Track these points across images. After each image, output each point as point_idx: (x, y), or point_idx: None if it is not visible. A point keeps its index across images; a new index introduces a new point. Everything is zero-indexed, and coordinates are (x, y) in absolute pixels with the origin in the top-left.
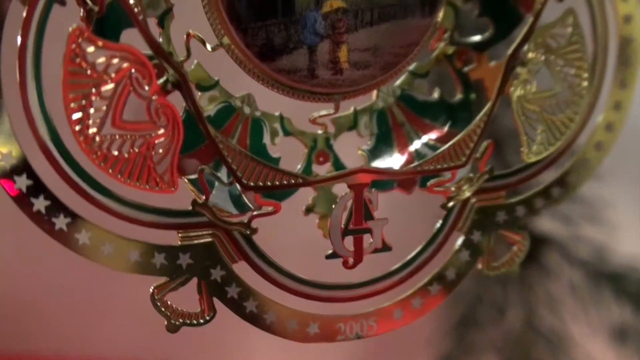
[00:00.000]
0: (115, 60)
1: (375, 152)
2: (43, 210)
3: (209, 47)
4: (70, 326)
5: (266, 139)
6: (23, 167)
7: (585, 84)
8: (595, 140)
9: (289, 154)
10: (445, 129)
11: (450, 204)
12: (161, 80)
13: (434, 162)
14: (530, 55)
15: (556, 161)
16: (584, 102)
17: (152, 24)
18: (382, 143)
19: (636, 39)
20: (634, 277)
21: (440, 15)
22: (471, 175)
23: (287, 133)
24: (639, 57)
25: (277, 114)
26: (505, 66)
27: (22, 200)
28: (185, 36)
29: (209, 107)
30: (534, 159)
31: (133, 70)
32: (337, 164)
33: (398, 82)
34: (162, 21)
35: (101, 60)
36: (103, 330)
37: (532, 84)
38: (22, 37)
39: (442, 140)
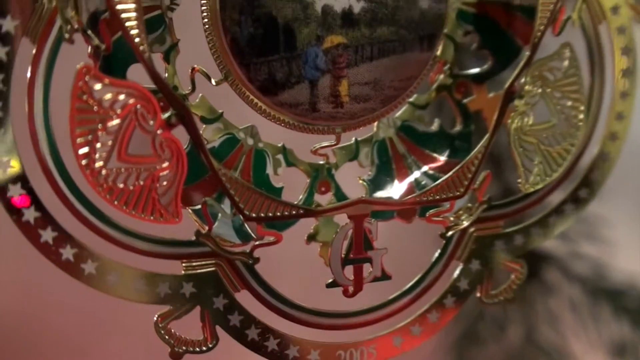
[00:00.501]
0: (122, 97)
1: (376, 181)
2: (50, 241)
3: (213, 81)
4: (74, 352)
5: (269, 170)
6: (31, 199)
7: (581, 116)
8: (592, 169)
9: (292, 184)
10: (445, 159)
11: (449, 233)
12: (166, 115)
13: (433, 192)
14: (528, 87)
15: (553, 191)
16: (580, 133)
17: (158, 58)
18: (383, 173)
19: (634, 71)
20: (633, 293)
21: (440, 48)
22: (470, 205)
23: (289, 163)
24: (636, 89)
25: (279, 145)
26: (502, 99)
27: (30, 232)
28: (190, 70)
29: (213, 139)
30: (532, 190)
31: (138, 106)
32: (339, 194)
33: (398, 113)
34: (168, 56)
35: (108, 97)
36: (107, 357)
37: (530, 116)
38: (31, 74)
39: (441, 170)
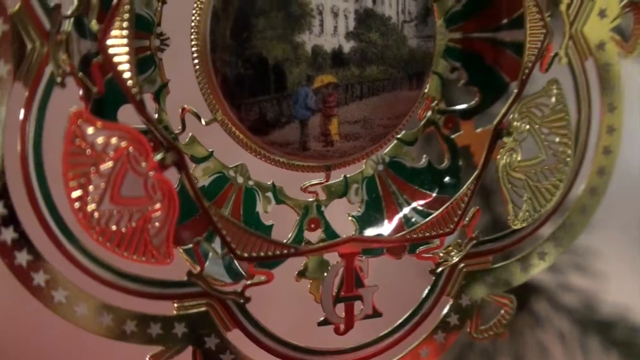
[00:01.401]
0: (114, 140)
1: (365, 218)
2: (43, 284)
3: (203, 121)
4: None
5: (259, 207)
6: (24, 242)
7: (569, 151)
8: (580, 204)
9: (281, 221)
10: (434, 194)
11: (439, 269)
12: (158, 157)
13: (423, 230)
14: (516, 124)
15: (542, 226)
16: (568, 169)
17: (149, 98)
18: (372, 209)
19: (619, 107)
20: (622, 326)
21: (428, 85)
22: (459, 241)
23: (279, 201)
24: (622, 124)
25: (269, 183)
26: (491, 136)
27: (22, 274)
28: (180, 110)
29: (203, 178)
30: (520, 226)
31: (131, 148)
32: (328, 230)
33: (387, 149)
34: (158, 96)
35: (100, 140)
36: None
37: (518, 153)
38: (23, 117)
39: (431, 206)
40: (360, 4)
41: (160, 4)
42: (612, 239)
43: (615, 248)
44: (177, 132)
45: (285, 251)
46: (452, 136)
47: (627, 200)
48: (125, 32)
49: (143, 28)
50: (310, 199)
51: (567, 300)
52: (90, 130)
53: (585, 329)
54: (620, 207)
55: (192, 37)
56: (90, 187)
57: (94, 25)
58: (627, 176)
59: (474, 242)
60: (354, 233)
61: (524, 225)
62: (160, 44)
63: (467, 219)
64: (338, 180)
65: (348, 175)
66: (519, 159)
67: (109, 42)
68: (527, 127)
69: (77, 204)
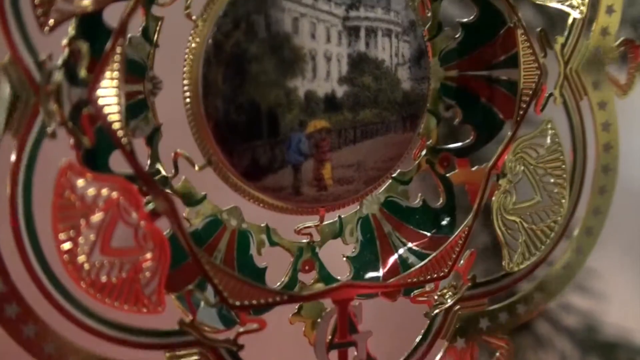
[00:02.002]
0: (104, 191)
1: (360, 259)
2: (33, 336)
3: (196, 167)
4: None
5: (252, 250)
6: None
7: (565, 192)
8: (575, 245)
9: (275, 263)
10: (429, 234)
11: (434, 312)
12: (148, 207)
13: (417, 274)
14: (511, 165)
15: (538, 267)
16: (563, 210)
17: (141, 142)
18: (367, 250)
19: (615, 146)
20: (624, 348)
21: (422, 126)
22: (454, 283)
23: (273, 243)
24: (617, 163)
25: (263, 225)
26: (485, 177)
27: (11, 327)
28: (173, 154)
29: (195, 221)
30: (516, 270)
31: (121, 199)
32: (322, 272)
33: (382, 189)
34: (151, 140)
35: (90, 192)
36: None
37: (513, 195)
38: (13, 169)
39: (426, 246)
40: (353, 48)
41: (153, 48)
42: (613, 260)
43: (616, 269)
44: (169, 175)
45: (278, 299)
46: (447, 174)
47: (629, 221)
48: (115, 82)
49: (135, 72)
50: (305, 241)
51: (569, 321)
52: (80, 182)
53: (586, 350)
54: (621, 229)
55: (185, 82)
56: (80, 239)
57: (84, 74)
58: (628, 196)
59: (469, 284)
60: (348, 274)
61: (520, 268)
62: (152, 87)
63: (462, 261)
64: (332, 220)
65: (342, 216)
66: (513, 200)
67: (99, 92)
68: (522, 168)
69: (66, 257)
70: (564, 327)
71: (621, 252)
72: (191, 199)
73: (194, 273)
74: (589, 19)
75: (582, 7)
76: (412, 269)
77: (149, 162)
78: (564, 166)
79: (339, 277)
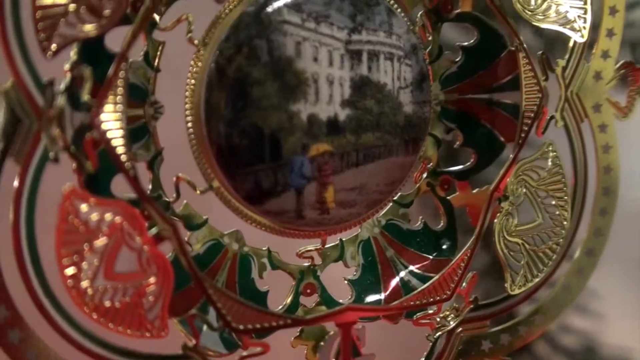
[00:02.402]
0: (108, 216)
1: (361, 282)
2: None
3: (198, 190)
4: None
5: (254, 274)
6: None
7: (566, 214)
8: (577, 266)
9: (277, 286)
10: (431, 257)
11: (436, 334)
12: (152, 231)
13: (419, 297)
14: (512, 187)
15: (540, 289)
16: (565, 232)
17: (143, 167)
18: (369, 273)
19: (615, 168)
20: None
21: (423, 149)
22: (456, 305)
23: (274, 267)
24: (618, 185)
25: (264, 248)
26: (488, 200)
27: (13, 351)
28: (174, 179)
29: (197, 245)
30: (518, 292)
31: (125, 223)
32: (324, 295)
33: (383, 211)
34: (152, 165)
35: (94, 217)
36: None
37: (514, 217)
38: (16, 193)
39: (427, 268)
40: (356, 72)
41: (154, 72)
42: (612, 280)
43: (615, 289)
44: (171, 200)
45: (281, 322)
46: (448, 197)
47: (629, 242)
48: (119, 107)
49: (137, 97)
50: (306, 264)
51: (567, 342)
52: (83, 207)
53: None
54: (622, 249)
55: (187, 106)
56: (84, 264)
57: (87, 99)
58: (629, 217)
59: (471, 306)
60: (350, 297)
61: (522, 290)
62: (154, 112)
63: (464, 284)
64: (334, 244)
65: (344, 239)
66: (515, 223)
67: (102, 117)
68: (524, 190)
69: (70, 281)
70: (562, 348)
71: (621, 272)
72: (193, 223)
73: (196, 297)
74: (590, 42)
75: (583, 31)
76: (414, 291)
77: (150, 186)
78: (565, 188)
79: (340, 300)
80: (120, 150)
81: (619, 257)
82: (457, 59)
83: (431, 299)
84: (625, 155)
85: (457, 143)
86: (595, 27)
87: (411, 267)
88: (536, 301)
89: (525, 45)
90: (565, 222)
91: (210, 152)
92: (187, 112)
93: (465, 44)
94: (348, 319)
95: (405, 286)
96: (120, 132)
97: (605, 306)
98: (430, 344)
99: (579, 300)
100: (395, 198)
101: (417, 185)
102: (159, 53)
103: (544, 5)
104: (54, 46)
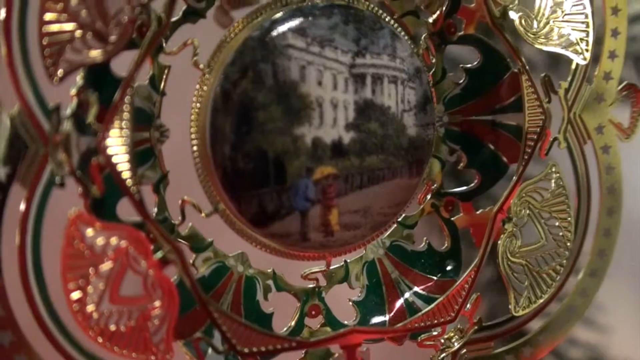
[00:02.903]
0: (113, 240)
1: (366, 303)
2: None
3: (203, 213)
4: None
5: (259, 296)
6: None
7: (570, 235)
8: (580, 287)
9: (282, 308)
10: (435, 278)
11: (441, 356)
12: (157, 255)
13: (424, 318)
14: (516, 209)
15: (543, 310)
16: (569, 253)
17: (148, 190)
18: (373, 294)
19: (618, 189)
20: None
21: (427, 170)
22: (460, 327)
23: (279, 289)
24: (622, 206)
25: (269, 270)
26: (492, 222)
27: None
28: (180, 201)
29: (203, 268)
30: (522, 313)
31: (130, 248)
32: (329, 316)
33: (387, 233)
34: (158, 187)
35: (99, 241)
36: None
37: (518, 238)
38: (22, 219)
39: (432, 290)
40: (360, 95)
41: (160, 96)
42: (618, 293)
43: (621, 301)
44: (176, 222)
45: (286, 345)
46: (452, 218)
47: (634, 253)
48: (125, 132)
49: (143, 121)
50: (311, 285)
51: (573, 354)
52: (89, 232)
53: None
54: (626, 261)
55: (192, 130)
56: (89, 289)
57: (94, 124)
58: (633, 236)
59: (475, 328)
60: (354, 319)
61: (526, 312)
62: (160, 135)
63: (468, 305)
64: (338, 265)
65: (348, 260)
66: (519, 244)
67: (108, 141)
68: (527, 211)
69: (76, 306)
70: None
71: (627, 285)
72: (198, 246)
73: (201, 320)
74: (592, 63)
75: (585, 54)
76: (419, 313)
77: (155, 209)
78: (568, 209)
79: (345, 322)
80: (126, 174)
81: (624, 269)
82: (461, 81)
83: (435, 321)
84: (628, 176)
85: (461, 164)
86: (597, 49)
87: (415, 288)
88: (540, 321)
89: (527, 67)
90: (568, 244)
91: (216, 175)
92: (193, 136)
93: (469, 66)
94: (353, 341)
95: (409, 307)
96: (126, 157)
97: (612, 318)
98: None
99: (585, 314)
100: (399, 219)
101: (421, 206)
102: (164, 77)
103: (546, 28)
104: (60, 72)
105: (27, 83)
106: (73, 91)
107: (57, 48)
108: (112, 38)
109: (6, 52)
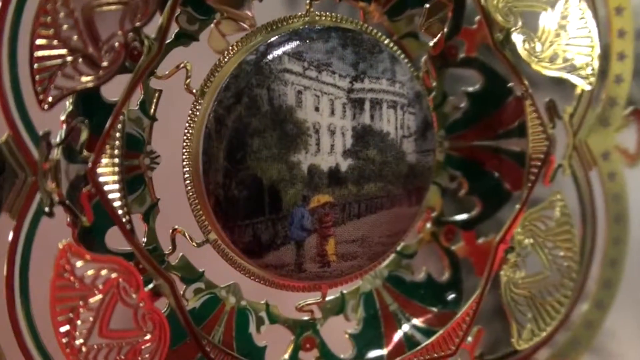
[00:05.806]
0: (103, 272)
1: (363, 336)
2: None
3: (194, 243)
4: None
5: (252, 328)
6: None
7: (575, 265)
8: (586, 319)
9: (276, 342)
10: (435, 310)
11: None
12: (149, 287)
13: (423, 352)
14: (519, 238)
15: (547, 343)
16: (573, 284)
17: (138, 219)
18: (371, 327)
19: (625, 218)
20: None
21: (427, 198)
22: (459, 359)
23: (273, 321)
24: (628, 235)
25: (262, 302)
26: (494, 252)
27: None
28: (170, 231)
29: (194, 300)
30: (524, 347)
31: (120, 280)
32: (324, 350)
33: (385, 263)
34: (148, 216)
35: (89, 273)
36: None
37: (521, 269)
38: (10, 249)
39: (431, 322)
40: (358, 121)
41: (150, 121)
42: (627, 320)
43: (630, 329)
44: (167, 252)
45: None
46: (453, 247)
47: None
48: (116, 160)
49: (133, 147)
50: (306, 318)
51: None
52: (79, 263)
53: None
54: (635, 289)
55: (184, 157)
56: (79, 322)
57: (84, 153)
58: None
59: None
60: (351, 352)
61: (529, 345)
62: (150, 162)
63: (469, 339)
64: (334, 296)
65: (345, 291)
66: (522, 275)
67: (98, 170)
68: (531, 241)
69: (64, 339)
70: None
71: (635, 312)
72: (189, 277)
73: (192, 353)
74: (598, 88)
75: (591, 78)
76: (418, 347)
77: (145, 239)
78: (573, 239)
79: (341, 356)
80: (116, 203)
81: (632, 296)
82: (462, 105)
83: (435, 355)
84: (635, 203)
85: (462, 191)
86: (603, 73)
87: (415, 321)
88: (546, 352)
89: (531, 91)
90: (573, 274)
91: (208, 203)
92: (185, 163)
93: (470, 89)
94: None
95: (408, 341)
96: (116, 185)
97: (621, 346)
98: None
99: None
100: (398, 249)
101: (421, 235)
102: (155, 101)
103: (550, 51)
104: (50, 98)
105: (16, 109)
106: (63, 117)
107: (48, 74)
108: (104, 63)
109: None
